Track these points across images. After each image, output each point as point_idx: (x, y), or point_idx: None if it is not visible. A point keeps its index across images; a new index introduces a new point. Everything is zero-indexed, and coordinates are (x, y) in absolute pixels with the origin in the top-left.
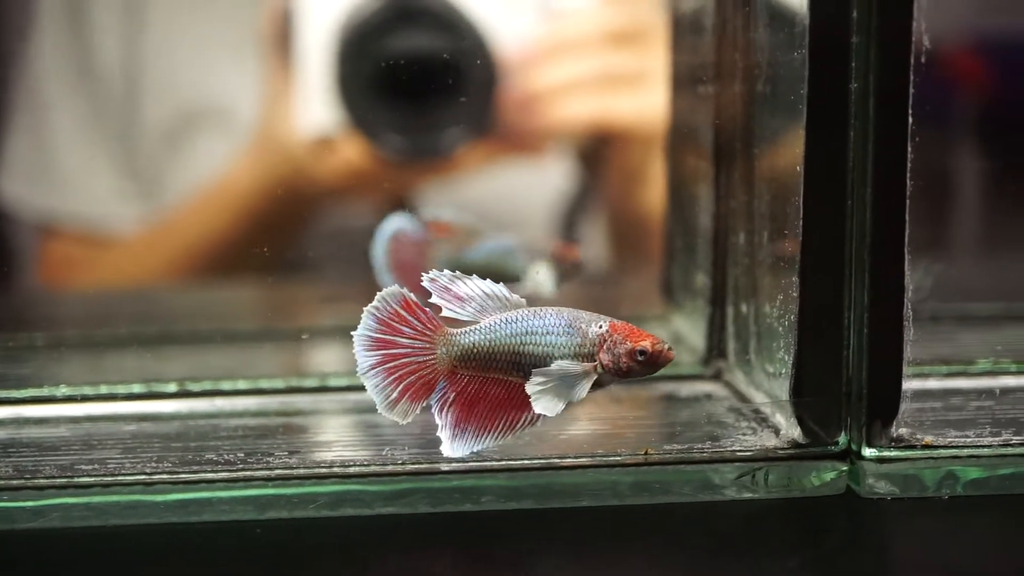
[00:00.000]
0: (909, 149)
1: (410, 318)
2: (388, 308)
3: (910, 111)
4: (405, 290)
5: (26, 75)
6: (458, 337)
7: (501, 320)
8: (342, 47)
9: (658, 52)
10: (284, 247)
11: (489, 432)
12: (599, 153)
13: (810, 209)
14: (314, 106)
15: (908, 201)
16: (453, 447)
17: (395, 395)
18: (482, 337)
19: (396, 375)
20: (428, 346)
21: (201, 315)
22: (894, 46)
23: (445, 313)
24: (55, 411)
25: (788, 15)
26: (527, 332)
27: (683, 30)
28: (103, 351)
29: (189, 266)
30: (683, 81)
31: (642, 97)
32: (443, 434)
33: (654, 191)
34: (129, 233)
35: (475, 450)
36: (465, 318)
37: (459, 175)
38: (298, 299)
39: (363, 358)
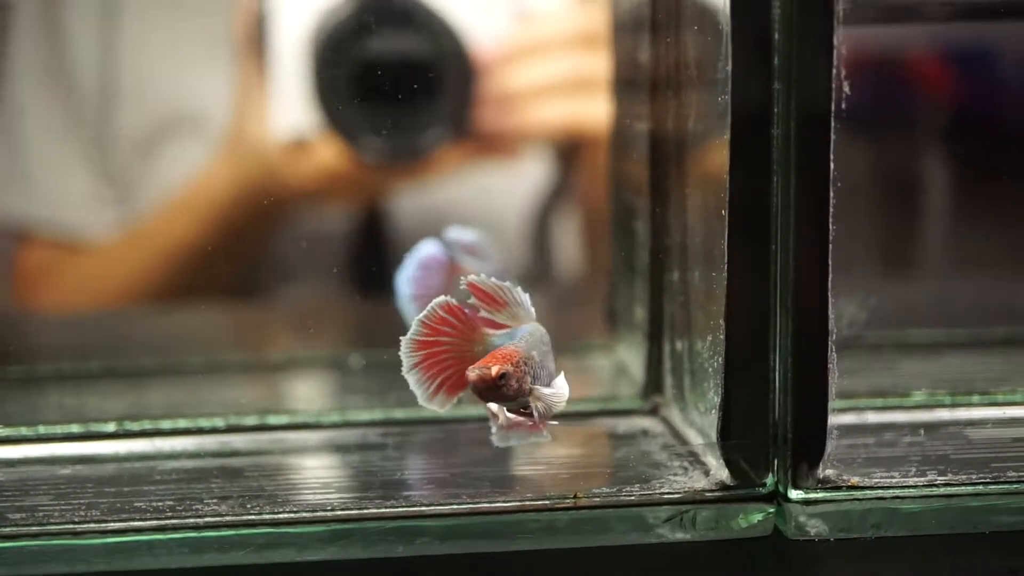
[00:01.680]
0: (831, 195)
1: (452, 320)
2: (435, 314)
3: (831, 158)
4: (451, 298)
5: None
6: (493, 339)
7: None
8: (316, 48)
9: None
10: (257, 256)
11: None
12: (573, 156)
13: (735, 251)
14: (289, 109)
15: (830, 245)
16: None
17: (432, 388)
18: (514, 342)
19: (434, 370)
20: (467, 344)
21: (154, 343)
22: (813, 96)
23: (482, 314)
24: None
25: (712, 64)
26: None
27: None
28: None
29: (162, 275)
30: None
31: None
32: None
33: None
34: (103, 239)
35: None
36: (501, 321)
37: (433, 177)
38: (266, 322)
39: (407, 359)
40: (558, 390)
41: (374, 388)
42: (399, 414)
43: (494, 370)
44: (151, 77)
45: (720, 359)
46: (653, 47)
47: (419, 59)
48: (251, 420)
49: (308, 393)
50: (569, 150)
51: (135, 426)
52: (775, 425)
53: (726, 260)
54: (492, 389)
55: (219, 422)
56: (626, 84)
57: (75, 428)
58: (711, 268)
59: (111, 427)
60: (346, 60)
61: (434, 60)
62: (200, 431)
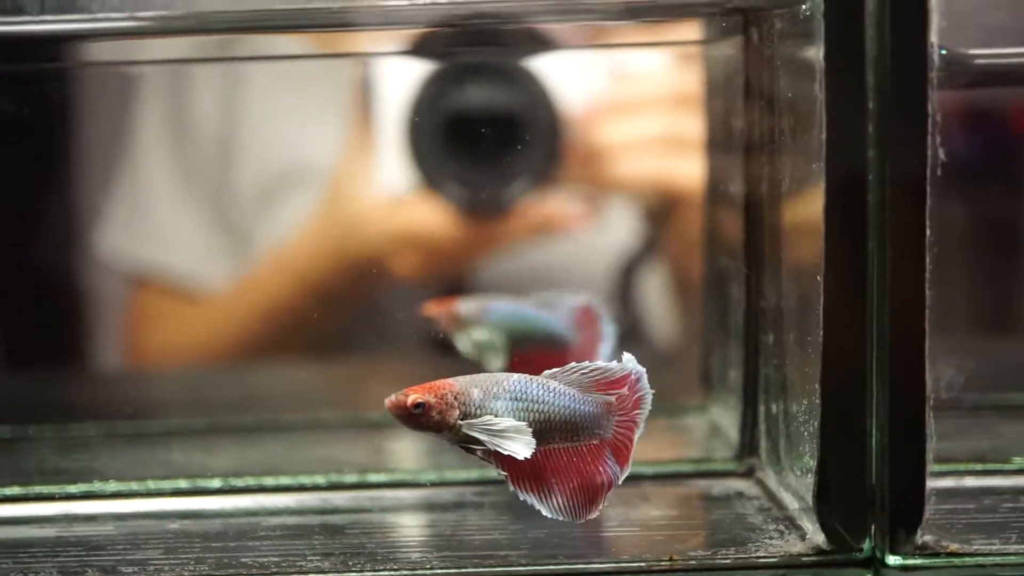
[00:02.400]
0: (927, 260)
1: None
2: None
3: (927, 223)
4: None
5: (127, 132)
6: None
7: None
8: (414, 105)
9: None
10: (356, 314)
11: None
12: (662, 215)
13: (831, 314)
14: (390, 168)
15: (927, 310)
16: None
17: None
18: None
19: None
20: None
21: (256, 400)
22: (908, 162)
23: None
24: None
25: (810, 123)
26: None
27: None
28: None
29: (263, 329)
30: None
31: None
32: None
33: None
34: (217, 291)
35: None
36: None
37: (523, 235)
38: (365, 380)
39: None
40: (491, 423)
41: None
42: (494, 474)
43: (410, 399)
44: (268, 136)
45: (816, 422)
46: (747, 111)
47: (509, 116)
48: (351, 478)
49: (406, 452)
50: (658, 209)
51: (239, 482)
52: (872, 489)
53: (822, 324)
54: (408, 418)
55: (320, 479)
56: (721, 147)
57: (182, 484)
58: (807, 331)
59: (216, 483)
60: (439, 117)
61: (524, 117)
62: (302, 488)
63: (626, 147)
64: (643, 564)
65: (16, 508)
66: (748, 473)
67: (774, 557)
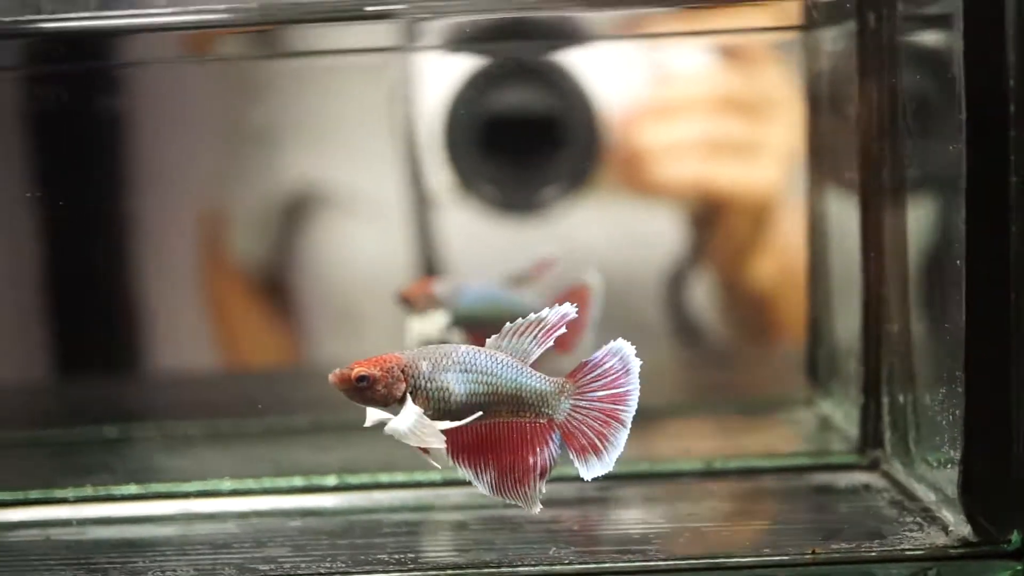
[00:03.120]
0: None
1: None
2: None
3: None
4: None
5: None
6: None
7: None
8: (449, 105)
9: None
10: None
11: None
12: (707, 220)
13: (972, 300)
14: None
15: None
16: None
17: None
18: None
19: None
20: None
21: None
22: None
23: None
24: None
25: (944, 105)
26: None
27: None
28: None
29: None
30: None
31: (757, 168)
32: None
33: (767, 265)
34: None
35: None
36: None
37: None
38: None
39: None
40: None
41: None
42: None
43: (355, 372)
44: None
45: (957, 412)
46: (862, 98)
47: (544, 116)
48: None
49: None
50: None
51: (354, 479)
52: (1019, 480)
53: (964, 310)
54: (354, 391)
55: (436, 476)
56: (830, 132)
57: (298, 481)
58: (942, 318)
59: (332, 480)
60: (474, 117)
61: (560, 117)
62: (418, 485)
63: (666, 152)
64: (786, 558)
65: (136, 506)
66: (872, 466)
67: (920, 549)
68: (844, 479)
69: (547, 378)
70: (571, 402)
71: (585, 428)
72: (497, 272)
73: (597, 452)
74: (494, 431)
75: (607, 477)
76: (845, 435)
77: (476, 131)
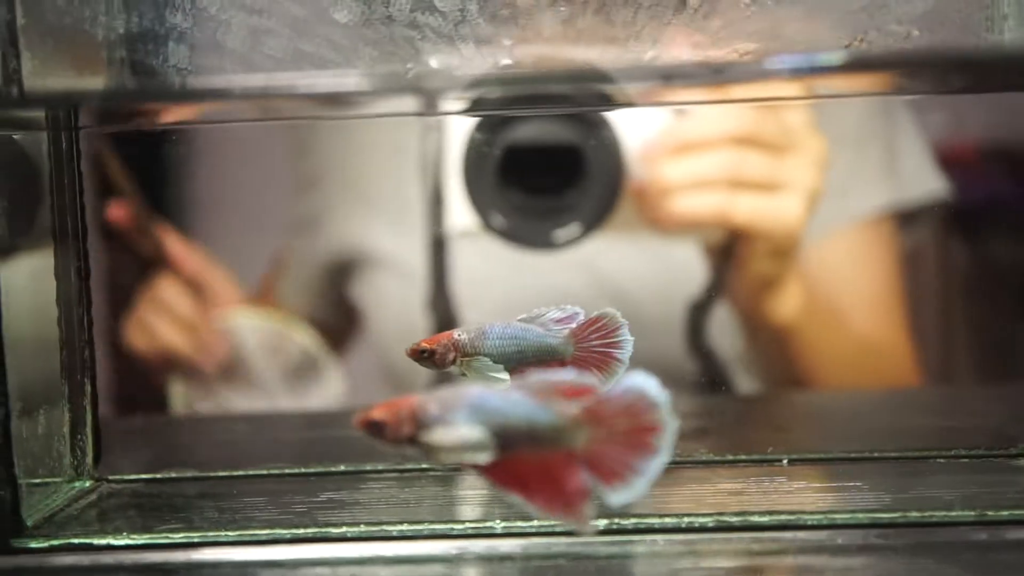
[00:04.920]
0: None
1: None
2: None
3: None
4: None
5: None
6: None
7: None
8: (468, 140)
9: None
10: None
11: None
12: (729, 255)
13: None
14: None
15: None
16: None
17: None
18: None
19: None
20: None
21: None
22: None
23: None
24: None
25: None
26: None
27: None
28: None
29: None
30: None
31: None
32: None
33: (789, 302)
34: None
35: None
36: None
37: None
38: None
39: None
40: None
41: None
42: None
43: (369, 416)
44: None
45: None
46: None
47: (566, 149)
48: (733, 519)
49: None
50: (727, 248)
51: (627, 523)
52: None
53: None
54: (370, 434)
55: (707, 520)
56: None
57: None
58: None
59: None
60: (494, 151)
61: (581, 150)
62: (678, 529)
63: (687, 185)
64: None
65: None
66: None
67: None
68: None
69: (558, 410)
70: (588, 432)
71: (608, 458)
72: (516, 316)
73: (622, 480)
74: (521, 466)
75: (879, 524)
76: None
77: (496, 168)
